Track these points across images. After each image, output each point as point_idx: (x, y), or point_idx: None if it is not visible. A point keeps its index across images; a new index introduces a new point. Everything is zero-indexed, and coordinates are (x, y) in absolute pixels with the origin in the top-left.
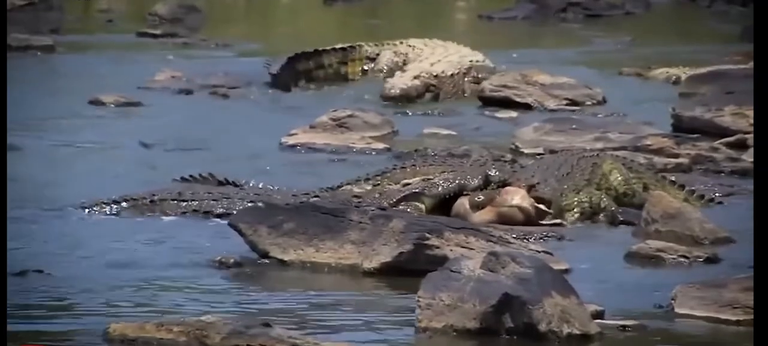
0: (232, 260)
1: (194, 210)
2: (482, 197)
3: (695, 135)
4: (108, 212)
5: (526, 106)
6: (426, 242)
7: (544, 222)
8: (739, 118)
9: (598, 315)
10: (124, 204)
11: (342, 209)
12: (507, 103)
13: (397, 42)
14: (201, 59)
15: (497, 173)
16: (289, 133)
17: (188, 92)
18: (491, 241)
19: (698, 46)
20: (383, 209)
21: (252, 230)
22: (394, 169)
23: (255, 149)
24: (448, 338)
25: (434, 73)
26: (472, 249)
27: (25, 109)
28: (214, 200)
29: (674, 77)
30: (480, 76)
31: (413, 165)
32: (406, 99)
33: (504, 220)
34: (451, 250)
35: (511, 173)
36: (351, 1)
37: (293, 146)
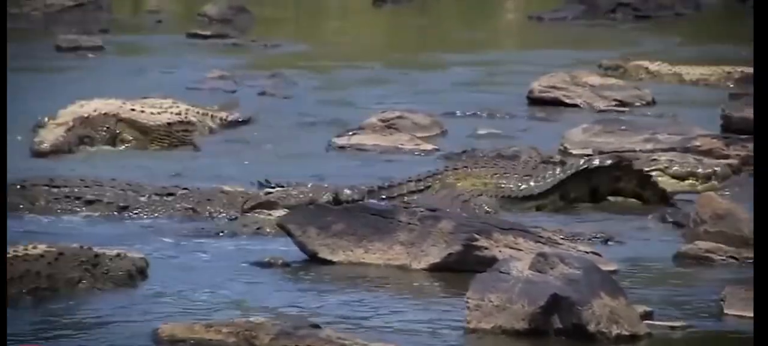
0: (280, 261)
1: (65, 197)
2: None
3: (745, 136)
4: None
5: (575, 107)
6: (475, 243)
7: None
8: None
9: (647, 316)
10: None
11: (391, 210)
12: (556, 105)
13: None
14: (250, 60)
15: (348, 193)
16: (338, 135)
17: (235, 92)
18: (540, 242)
19: (745, 46)
20: (433, 209)
21: (301, 230)
22: (446, 170)
23: (305, 150)
24: (496, 338)
25: (85, 115)
26: (520, 250)
27: None
28: (86, 186)
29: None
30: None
31: (465, 167)
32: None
33: None
34: (500, 251)
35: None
36: (400, 2)
37: (342, 147)
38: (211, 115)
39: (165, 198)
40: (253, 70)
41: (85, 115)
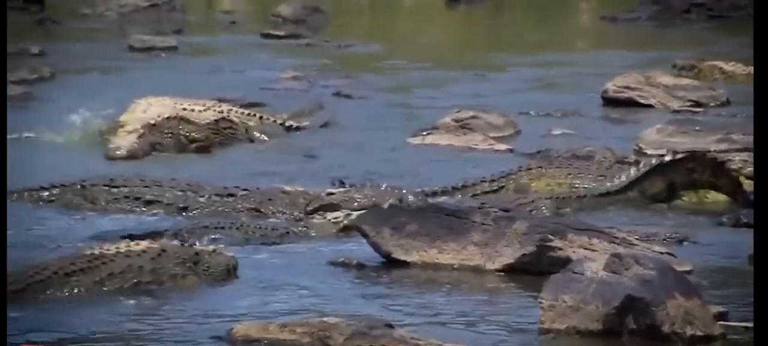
0: (355, 261)
1: (125, 197)
2: None
3: None
4: (39, 199)
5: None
6: (549, 243)
7: None
8: None
9: (722, 317)
10: (55, 191)
11: (465, 210)
12: (630, 105)
13: None
14: (324, 60)
15: (411, 199)
16: (412, 135)
17: (309, 93)
18: (614, 242)
19: None
20: (507, 210)
21: (375, 231)
22: (520, 170)
23: (379, 150)
24: (570, 339)
25: (151, 122)
26: (594, 251)
27: None
28: (145, 186)
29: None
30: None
31: (539, 167)
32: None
33: None
34: (574, 251)
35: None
36: (473, 2)
37: (417, 147)
38: (261, 118)
39: (225, 199)
40: (327, 70)
41: (152, 121)
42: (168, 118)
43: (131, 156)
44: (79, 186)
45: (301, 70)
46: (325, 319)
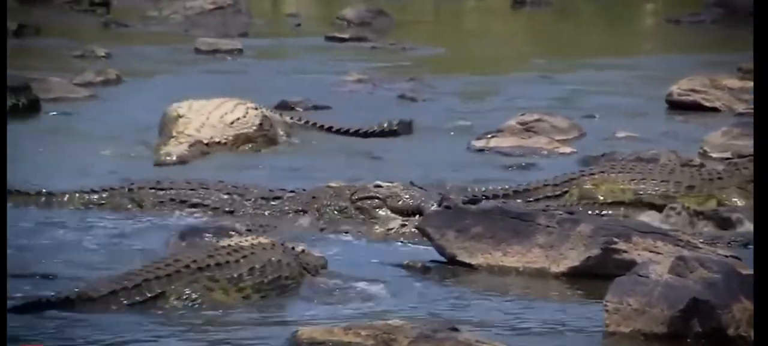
0: (419, 264)
1: (171, 200)
2: None
3: None
4: (86, 202)
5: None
6: (614, 246)
7: None
8: None
9: None
10: (104, 194)
11: (530, 213)
12: (695, 108)
13: None
14: (389, 63)
15: (454, 198)
16: (477, 137)
17: (374, 95)
18: (679, 245)
19: None
20: (571, 212)
21: (439, 234)
22: (582, 175)
23: (443, 153)
24: (636, 342)
25: (204, 141)
26: (660, 253)
27: None
28: (191, 189)
29: None
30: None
31: (601, 172)
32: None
33: None
34: (639, 254)
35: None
36: (539, 5)
37: (481, 150)
38: (281, 114)
39: (272, 202)
40: (391, 73)
41: (205, 141)
42: (219, 143)
43: (181, 161)
44: (126, 189)
45: (366, 73)
46: (389, 321)
